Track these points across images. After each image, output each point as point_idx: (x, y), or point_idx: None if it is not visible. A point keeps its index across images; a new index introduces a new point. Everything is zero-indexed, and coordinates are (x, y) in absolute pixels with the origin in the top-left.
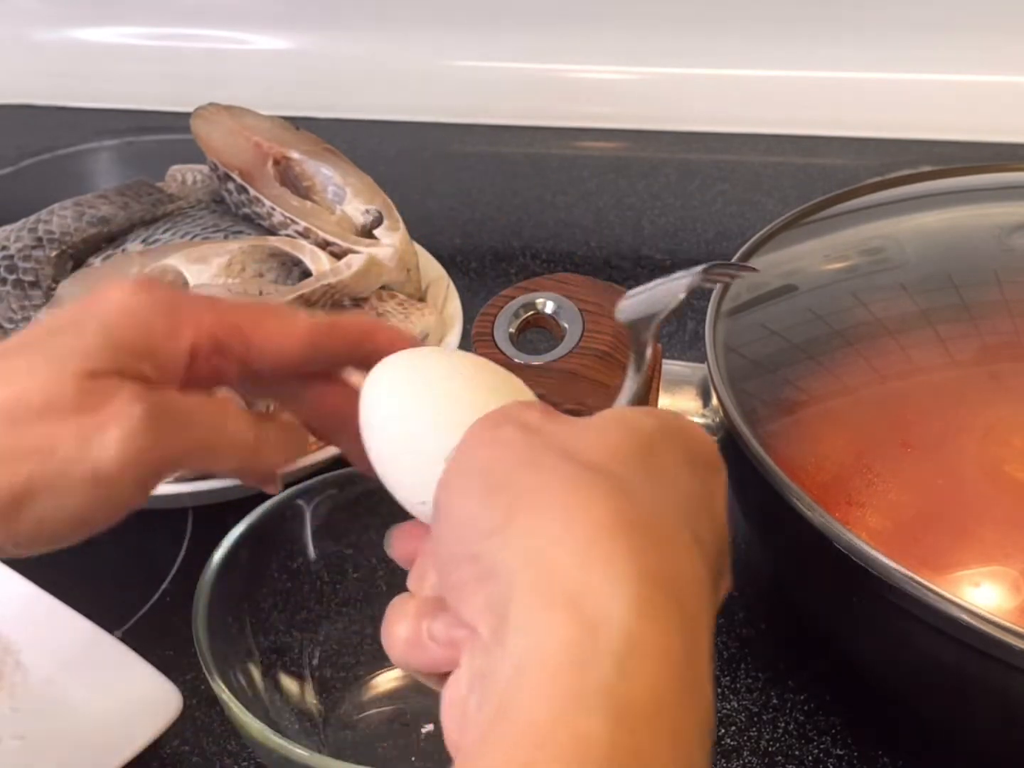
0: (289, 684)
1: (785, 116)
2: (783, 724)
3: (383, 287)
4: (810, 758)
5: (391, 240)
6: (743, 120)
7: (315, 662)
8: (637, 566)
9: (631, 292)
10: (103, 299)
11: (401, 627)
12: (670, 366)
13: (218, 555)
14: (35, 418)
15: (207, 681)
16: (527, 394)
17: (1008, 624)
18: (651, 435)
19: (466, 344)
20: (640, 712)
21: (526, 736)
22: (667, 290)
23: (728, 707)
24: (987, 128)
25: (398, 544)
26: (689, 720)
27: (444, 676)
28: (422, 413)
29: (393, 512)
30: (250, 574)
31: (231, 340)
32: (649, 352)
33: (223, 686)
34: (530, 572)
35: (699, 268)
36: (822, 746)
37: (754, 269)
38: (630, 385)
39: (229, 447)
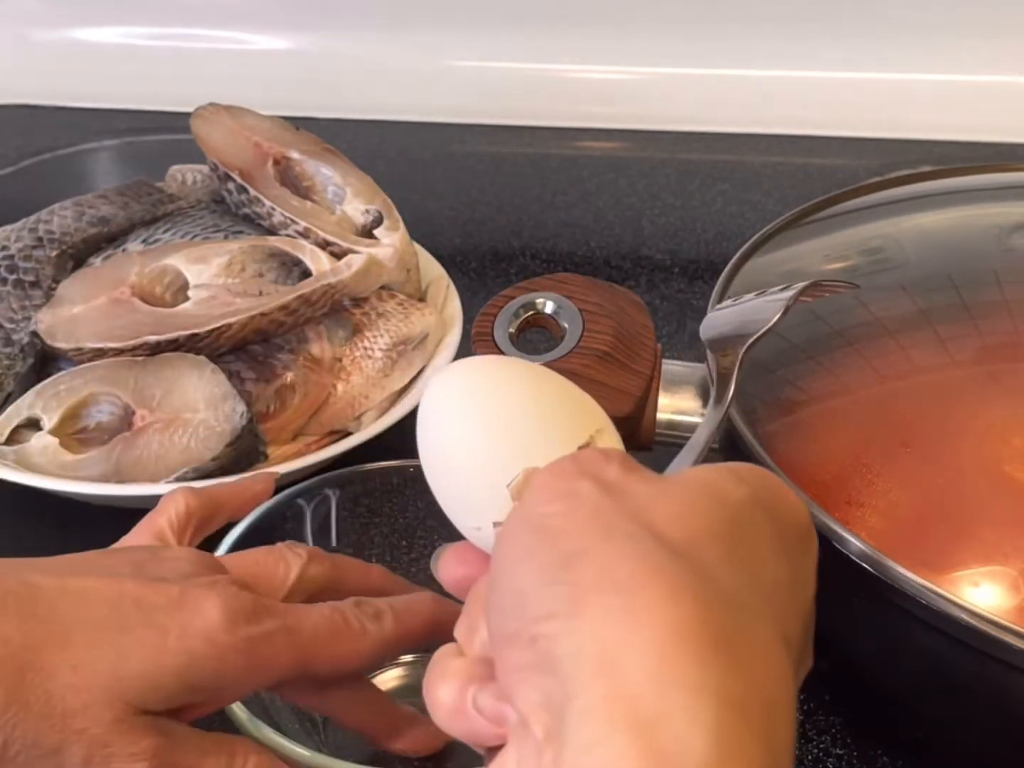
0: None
1: (785, 116)
2: None
3: (383, 287)
4: (810, 758)
5: (391, 240)
6: (743, 120)
7: None
8: (720, 689)
9: (717, 307)
10: (199, 607)
11: (445, 690)
12: (670, 366)
13: (218, 555)
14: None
15: None
16: (593, 408)
17: (1008, 624)
18: (741, 508)
19: (466, 344)
20: None
21: None
22: (760, 308)
23: None
24: (987, 128)
25: (446, 568)
26: None
27: (493, 748)
28: (480, 431)
29: (394, 512)
30: None
31: (299, 676)
32: (735, 379)
33: None
34: (599, 683)
35: (799, 286)
36: (821, 746)
37: (854, 285)
38: (712, 417)
39: None
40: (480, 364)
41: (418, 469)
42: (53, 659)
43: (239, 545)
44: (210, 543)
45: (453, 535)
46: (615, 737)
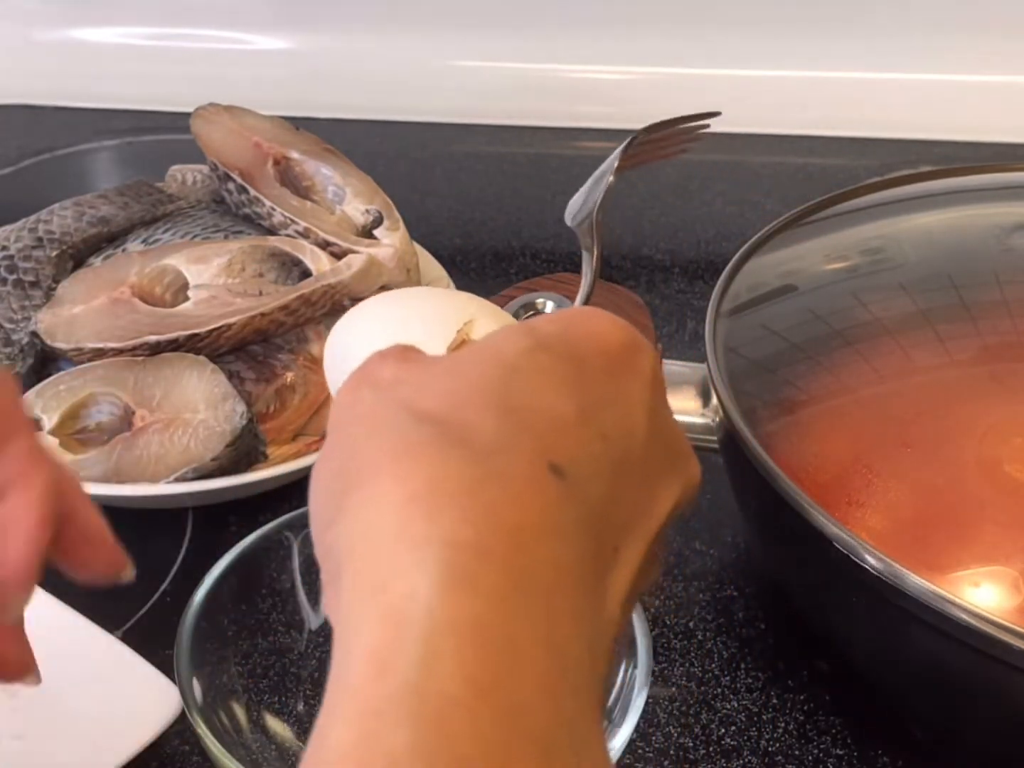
0: (273, 724)
1: (785, 116)
2: (783, 724)
3: (383, 287)
4: (810, 758)
5: (391, 240)
6: (743, 120)
7: (300, 705)
8: (446, 535)
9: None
10: None
11: None
12: (670, 366)
13: (201, 592)
14: None
15: None
16: (464, 303)
17: (1008, 624)
18: (517, 357)
19: None
20: (452, 711)
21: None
22: (597, 177)
23: (728, 707)
24: (987, 128)
25: None
26: (535, 702)
27: None
28: (363, 346)
29: None
30: (235, 609)
31: None
32: (596, 248)
33: (201, 722)
34: (351, 565)
35: (620, 146)
36: (822, 746)
37: (686, 121)
38: (584, 284)
39: None
40: (362, 304)
41: None
42: None
43: (223, 579)
44: (210, 543)
45: None
46: (359, 611)
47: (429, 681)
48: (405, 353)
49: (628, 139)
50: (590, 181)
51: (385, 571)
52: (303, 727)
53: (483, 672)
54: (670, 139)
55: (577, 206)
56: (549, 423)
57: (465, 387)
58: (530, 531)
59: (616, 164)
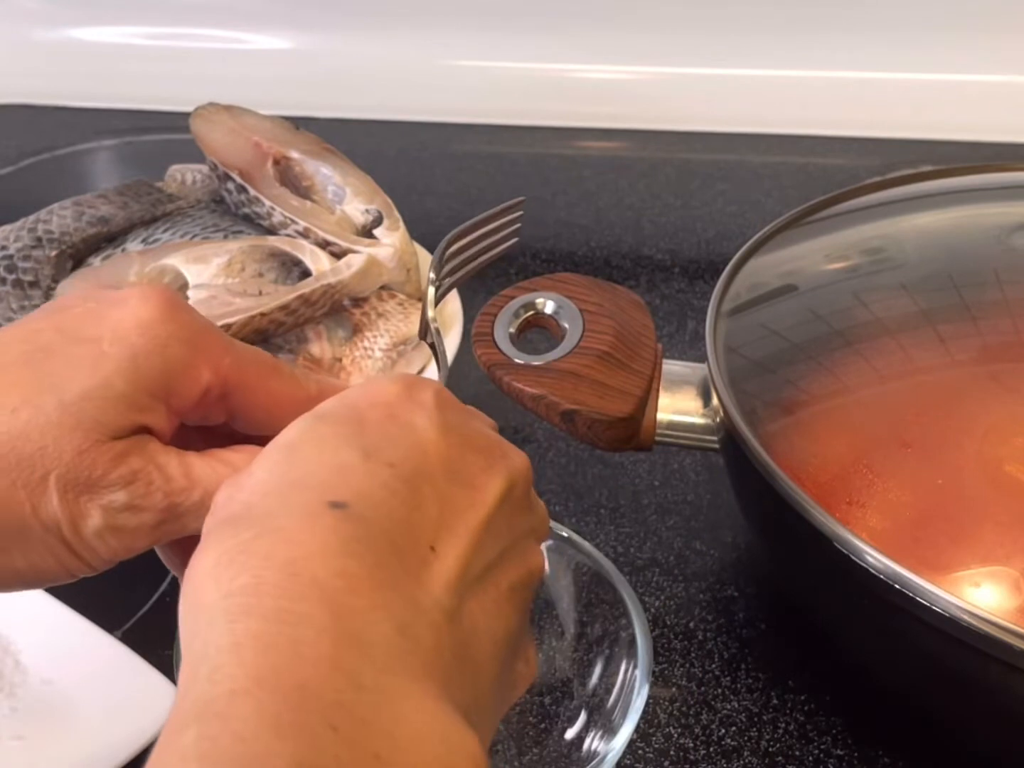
0: None
1: (785, 116)
2: (783, 724)
3: (383, 287)
4: (810, 758)
5: (391, 240)
6: (743, 120)
7: None
8: (230, 584)
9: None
10: (120, 308)
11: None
12: (670, 366)
13: None
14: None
15: None
16: None
17: (1008, 624)
18: (298, 436)
19: (466, 344)
20: (235, 701)
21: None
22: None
23: (728, 707)
24: (987, 128)
25: None
26: (321, 679)
27: None
28: None
29: None
30: None
31: (239, 389)
32: (440, 347)
33: None
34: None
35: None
36: (822, 746)
37: (491, 220)
38: (440, 377)
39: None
40: None
41: None
42: None
43: None
44: None
45: None
46: (181, 676)
47: (214, 688)
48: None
49: (433, 258)
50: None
51: (192, 633)
52: None
53: (263, 665)
54: (481, 241)
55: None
56: (332, 473)
57: (257, 479)
58: (305, 559)
59: (433, 290)
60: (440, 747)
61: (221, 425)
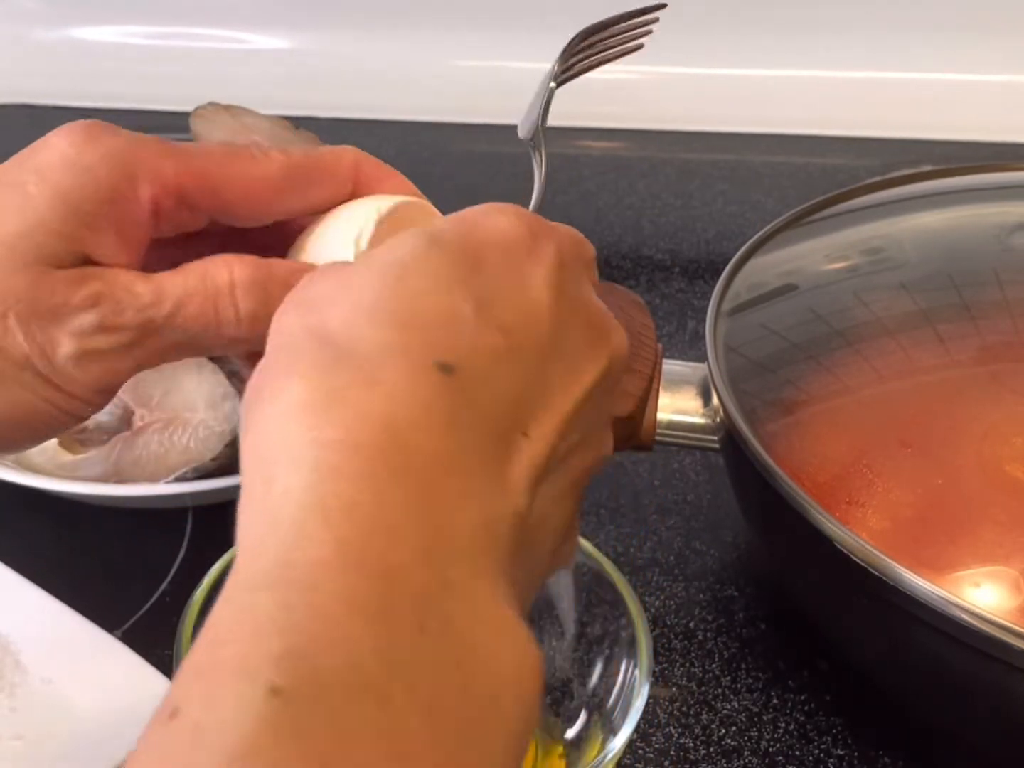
0: None
1: (785, 116)
2: (783, 724)
3: None
4: (811, 758)
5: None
6: (743, 120)
7: None
8: (321, 432)
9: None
10: (43, 150)
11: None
12: (670, 366)
13: (198, 592)
14: None
15: None
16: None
17: (1008, 624)
18: (410, 260)
19: None
20: (321, 573)
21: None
22: (539, 91)
23: (728, 707)
24: (987, 128)
25: None
26: (408, 565)
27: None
28: None
29: None
30: None
31: (197, 190)
32: (543, 154)
33: None
34: (245, 476)
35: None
36: (823, 746)
37: (627, 19)
38: (536, 191)
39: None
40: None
41: None
42: None
43: (223, 578)
44: (210, 543)
45: None
46: (250, 515)
47: (297, 552)
48: (326, 272)
49: (564, 46)
50: (533, 97)
51: (267, 476)
52: None
53: (353, 538)
54: (611, 40)
55: (525, 121)
56: (441, 323)
57: (357, 301)
58: (407, 427)
59: (556, 71)
60: (511, 665)
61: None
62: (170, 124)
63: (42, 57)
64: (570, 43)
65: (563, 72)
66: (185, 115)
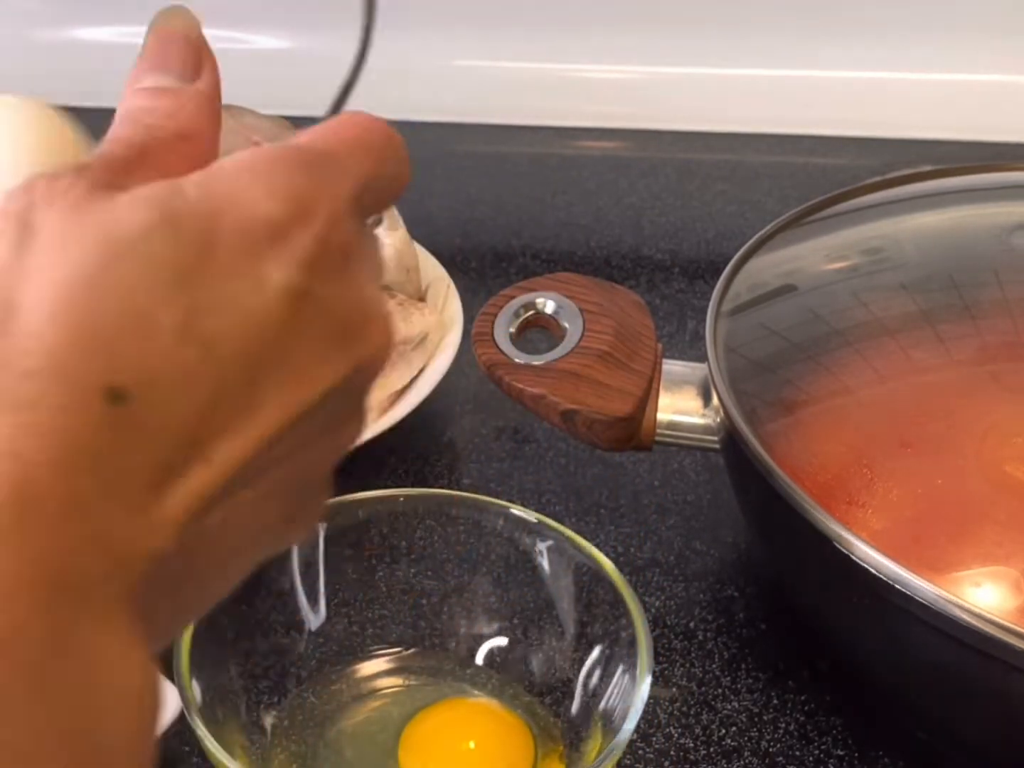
0: (272, 726)
1: (785, 116)
2: (784, 725)
3: (383, 287)
4: (811, 759)
5: (391, 240)
6: (743, 120)
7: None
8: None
9: None
10: None
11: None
12: (670, 366)
13: None
14: None
15: None
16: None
17: (1008, 624)
18: (129, 237)
19: (466, 344)
20: None
21: None
22: None
23: (728, 707)
24: (987, 128)
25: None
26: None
27: None
28: None
29: (389, 546)
30: (234, 609)
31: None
32: None
33: (200, 722)
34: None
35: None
36: (823, 747)
37: None
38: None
39: None
40: None
41: (408, 499)
42: None
43: None
44: None
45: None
46: None
47: None
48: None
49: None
50: None
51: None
52: (297, 738)
53: None
54: None
55: None
56: (130, 333)
57: (51, 280)
58: (43, 464)
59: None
60: (135, 710)
61: None
62: None
63: (42, 57)
64: None
65: None
66: None
